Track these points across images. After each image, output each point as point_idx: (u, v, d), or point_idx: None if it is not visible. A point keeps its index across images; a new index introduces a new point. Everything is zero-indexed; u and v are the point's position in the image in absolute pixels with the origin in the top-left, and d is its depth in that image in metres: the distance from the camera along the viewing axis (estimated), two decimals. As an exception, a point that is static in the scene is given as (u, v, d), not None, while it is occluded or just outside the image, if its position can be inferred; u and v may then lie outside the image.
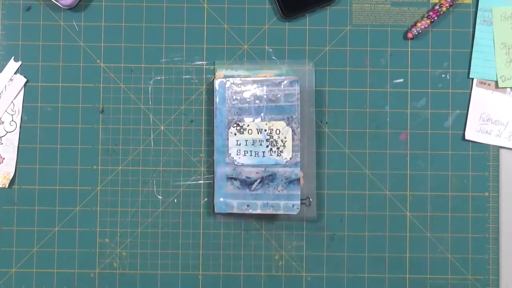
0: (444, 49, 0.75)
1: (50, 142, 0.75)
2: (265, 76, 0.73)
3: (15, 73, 0.75)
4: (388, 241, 0.74)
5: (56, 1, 0.74)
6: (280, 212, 0.71)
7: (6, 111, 0.75)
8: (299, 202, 0.71)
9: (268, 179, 0.71)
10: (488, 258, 0.74)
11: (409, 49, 0.75)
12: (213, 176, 0.73)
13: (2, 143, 0.74)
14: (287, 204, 0.71)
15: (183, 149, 0.75)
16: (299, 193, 0.71)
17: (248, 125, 0.72)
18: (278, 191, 0.71)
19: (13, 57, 0.75)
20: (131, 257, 0.74)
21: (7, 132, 0.74)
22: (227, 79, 0.72)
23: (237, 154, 0.71)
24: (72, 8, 0.75)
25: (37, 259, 0.74)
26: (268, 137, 0.71)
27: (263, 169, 0.71)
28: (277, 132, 0.71)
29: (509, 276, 0.74)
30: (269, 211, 0.71)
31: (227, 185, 0.72)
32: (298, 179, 0.71)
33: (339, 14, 0.76)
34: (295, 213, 0.71)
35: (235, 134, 0.72)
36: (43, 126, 0.75)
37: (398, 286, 0.74)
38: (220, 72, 0.74)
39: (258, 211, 0.71)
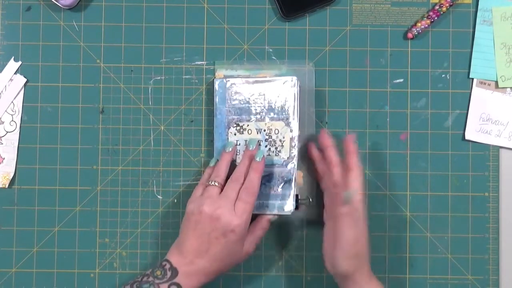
0: (444, 49, 0.75)
1: (50, 142, 0.75)
2: (265, 76, 0.73)
3: (15, 73, 0.75)
4: (388, 241, 0.74)
5: (56, 1, 0.74)
6: (275, 212, 0.70)
7: (6, 111, 0.75)
8: (294, 202, 0.70)
9: (266, 179, 0.70)
10: (488, 258, 0.74)
11: (409, 49, 0.75)
12: (213, 176, 0.73)
13: (2, 143, 0.74)
14: (282, 204, 0.70)
15: (183, 149, 0.75)
16: (294, 193, 0.70)
17: (247, 125, 0.71)
18: (274, 191, 0.70)
19: (13, 57, 0.75)
20: (131, 257, 0.74)
21: (7, 132, 0.74)
22: (227, 79, 0.72)
23: (236, 154, 0.71)
24: (72, 8, 0.75)
25: (37, 259, 0.74)
26: (267, 137, 0.71)
27: (263, 169, 0.71)
28: (276, 132, 0.71)
29: (509, 276, 0.74)
30: (264, 211, 0.70)
31: (227, 185, 0.71)
32: (295, 179, 0.70)
33: (339, 14, 0.76)
34: (289, 213, 0.70)
35: (235, 134, 0.72)
36: (43, 126, 0.75)
37: (398, 286, 0.74)
38: (220, 72, 0.74)
39: (254, 211, 0.71)
